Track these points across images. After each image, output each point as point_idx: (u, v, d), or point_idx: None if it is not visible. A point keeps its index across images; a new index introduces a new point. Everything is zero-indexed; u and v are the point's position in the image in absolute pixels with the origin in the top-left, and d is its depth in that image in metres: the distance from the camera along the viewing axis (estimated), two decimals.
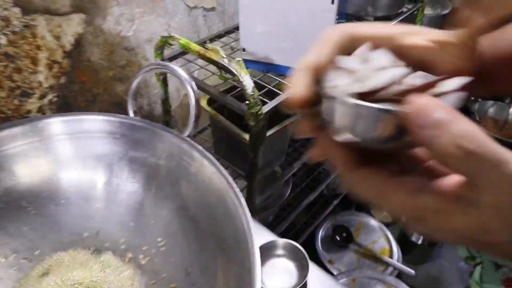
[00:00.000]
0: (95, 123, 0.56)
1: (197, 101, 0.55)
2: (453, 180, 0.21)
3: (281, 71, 0.77)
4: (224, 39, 0.90)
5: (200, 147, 0.52)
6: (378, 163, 0.24)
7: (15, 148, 0.54)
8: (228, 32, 0.91)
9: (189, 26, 0.94)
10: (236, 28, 0.93)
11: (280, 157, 0.91)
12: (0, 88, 0.67)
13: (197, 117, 0.55)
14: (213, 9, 1.00)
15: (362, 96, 0.22)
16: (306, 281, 0.61)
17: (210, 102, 0.82)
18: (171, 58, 0.80)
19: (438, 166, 0.24)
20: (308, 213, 1.37)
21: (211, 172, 0.52)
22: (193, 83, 0.55)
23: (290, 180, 1.05)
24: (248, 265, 0.42)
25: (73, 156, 0.58)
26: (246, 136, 0.73)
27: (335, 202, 1.40)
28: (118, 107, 0.86)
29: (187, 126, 0.55)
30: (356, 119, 0.22)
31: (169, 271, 0.55)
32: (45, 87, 0.72)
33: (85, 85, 0.78)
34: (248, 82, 0.64)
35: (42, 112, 0.74)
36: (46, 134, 0.55)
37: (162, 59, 0.78)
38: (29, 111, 0.72)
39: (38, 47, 0.69)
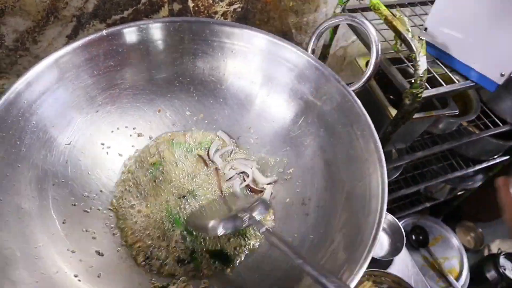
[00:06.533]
0: (286, 51, 0.62)
1: (377, 64, 0.57)
2: None
3: (453, 64, 0.74)
4: (404, 9, 0.88)
5: (362, 108, 0.56)
6: None
7: (227, 44, 0.64)
8: (411, 4, 0.89)
9: None
10: (421, 3, 0.90)
11: (406, 142, 0.91)
12: None
13: (370, 77, 0.58)
14: None
15: None
16: (393, 259, 0.65)
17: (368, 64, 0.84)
18: (351, 10, 0.82)
19: None
20: (397, 202, 1.37)
21: (361, 133, 0.56)
22: (380, 45, 0.58)
23: (401, 166, 1.05)
24: (370, 223, 0.47)
25: (254, 69, 0.65)
26: (392, 111, 0.74)
27: (427, 204, 1.38)
28: (283, 35, 0.91)
29: (358, 80, 0.59)
30: None
31: (287, 195, 0.62)
32: None
33: (266, 6, 0.84)
34: (422, 64, 0.64)
35: (224, 17, 0.82)
36: (251, 43, 0.64)
37: (343, 9, 0.80)
38: (215, 12, 0.80)
39: None
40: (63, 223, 0.53)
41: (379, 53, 0.57)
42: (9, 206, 0.47)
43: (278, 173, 0.65)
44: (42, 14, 0.64)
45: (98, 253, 0.53)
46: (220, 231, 0.50)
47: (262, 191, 0.65)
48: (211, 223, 0.51)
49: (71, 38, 0.70)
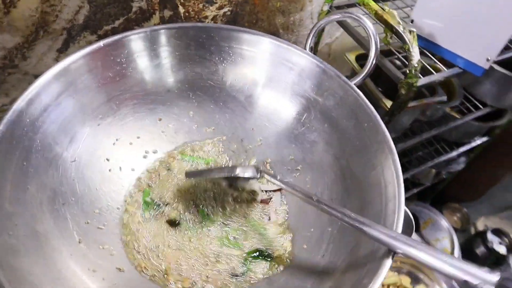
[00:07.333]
0: (284, 51, 0.63)
1: (377, 57, 0.59)
2: None
3: (441, 53, 0.77)
4: (388, 3, 0.91)
5: (366, 100, 0.57)
6: None
7: (224, 47, 0.65)
8: None
9: None
10: None
11: (398, 131, 0.94)
12: None
13: (370, 71, 0.60)
14: None
15: None
16: None
17: (357, 59, 0.86)
18: (338, 7, 0.83)
19: None
20: None
21: (367, 124, 0.57)
22: (378, 39, 0.59)
23: None
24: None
25: (253, 70, 0.66)
26: (387, 103, 0.76)
27: (415, 190, 1.42)
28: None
29: (358, 75, 0.60)
30: None
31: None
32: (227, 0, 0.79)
33: (255, 8, 0.84)
34: (416, 54, 0.67)
35: (214, 21, 0.82)
36: (249, 45, 0.64)
37: (331, 6, 0.82)
38: (206, 17, 0.80)
39: None
40: (79, 242, 0.51)
41: (378, 47, 0.59)
42: (25, 230, 0.46)
43: (286, 171, 0.66)
44: (31, 29, 0.62)
45: (119, 269, 0.52)
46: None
47: (271, 198, 0.65)
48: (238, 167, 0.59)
49: (62, 51, 0.68)
